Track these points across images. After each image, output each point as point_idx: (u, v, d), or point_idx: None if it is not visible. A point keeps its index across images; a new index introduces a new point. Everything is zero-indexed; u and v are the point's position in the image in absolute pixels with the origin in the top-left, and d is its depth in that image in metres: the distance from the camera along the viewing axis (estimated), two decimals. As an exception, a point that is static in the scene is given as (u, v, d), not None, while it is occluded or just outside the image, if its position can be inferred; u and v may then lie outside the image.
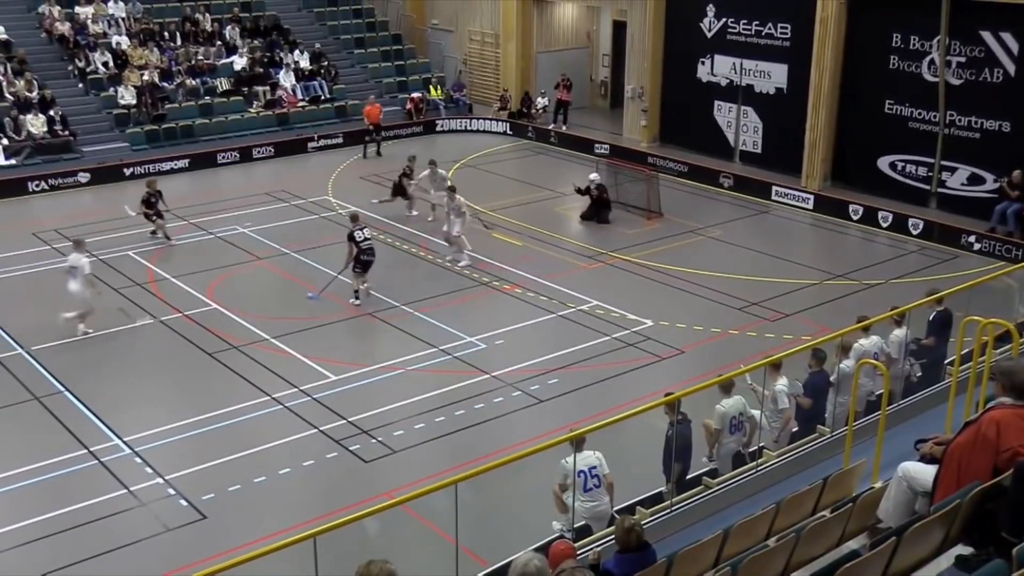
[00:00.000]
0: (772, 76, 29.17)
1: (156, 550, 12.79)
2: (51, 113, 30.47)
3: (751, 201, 27.98)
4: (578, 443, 11.54)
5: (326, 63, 36.43)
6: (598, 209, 25.93)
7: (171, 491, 14.04)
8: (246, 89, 34.25)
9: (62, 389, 16.92)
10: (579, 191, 26.14)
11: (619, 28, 36.09)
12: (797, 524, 8.39)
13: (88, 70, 32.86)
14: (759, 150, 29.96)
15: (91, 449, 15.04)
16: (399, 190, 26.40)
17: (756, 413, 12.89)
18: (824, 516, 8.47)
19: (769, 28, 29.05)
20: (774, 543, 7.91)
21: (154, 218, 24.06)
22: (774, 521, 8.76)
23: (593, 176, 26.38)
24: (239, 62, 34.92)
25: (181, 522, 13.41)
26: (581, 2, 37.38)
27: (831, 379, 13.52)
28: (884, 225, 25.41)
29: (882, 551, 6.78)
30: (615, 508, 11.66)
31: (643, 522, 9.81)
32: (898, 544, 6.80)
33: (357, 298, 20.40)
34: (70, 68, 33.05)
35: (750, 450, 12.74)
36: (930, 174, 25.87)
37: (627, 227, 25.54)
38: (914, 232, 24.83)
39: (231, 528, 13.19)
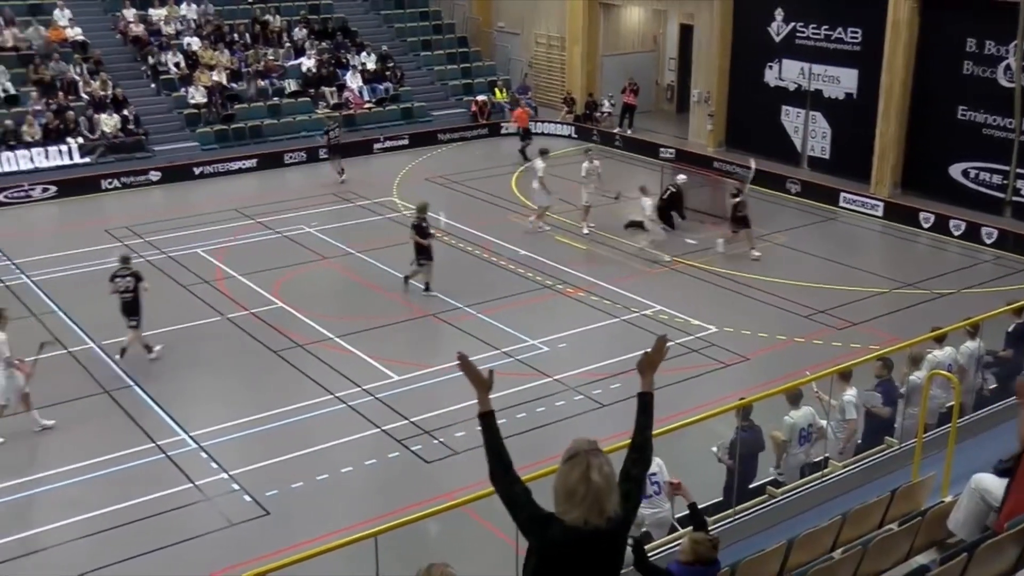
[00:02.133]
0: (841, 81, 28.81)
1: (220, 544, 12.95)
2: (124, 112, 31.03)
3: (818, 207, 27.65)
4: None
5: (392, 65, 36.67)
6: (667, 213, 25.66)
7: (235, 486, 14.21)
8: (313, 90, 34.61)
9: (131, 383, 17.22)
10: (663, 199, 25.69)
11: (686, 32, 35.88)
12: (864, 536, 8.26)
13: (160, 70, 33.43)
14: (827, 156, 29.62)
15: (158, 443, 15.28)
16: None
17: (823, 422, 12.73)
18: (892, 529, 8.34)
19: (839, 32, 28.70)
20: (839, 555, 7.80)
21: None
22: (840, 533, 8.62)
23: (681, 177, 26.13)
24: (307, 63, 35.29)
25: (244, 517, 13.57)
26: (648, 5, 37.22)
27: (900, 390, 13.30)
28: (956, 234, 24.95)
29: (952, 567, 6.65)
30: (677, 516, 11.57)
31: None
32: (969, 560, 6.66)
33: (429, 289, 20.84)
34: (143, 68, 33.66)
35: (815, 460, 12.57)
36: (1005, 182, 25.35)
37: (693, 233, 25.37)
38: (988, 241, 24.34)
39: (293, 524, 13.31)
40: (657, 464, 11.40)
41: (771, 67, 30.63)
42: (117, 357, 17.93)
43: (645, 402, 5.38)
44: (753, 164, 25.84)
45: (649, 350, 5.42)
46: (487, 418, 5.19)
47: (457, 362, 5.34)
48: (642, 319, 19.90)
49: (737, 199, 23.68)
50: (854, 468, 12.16)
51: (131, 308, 17.94)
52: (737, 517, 11.31)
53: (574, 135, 35.49)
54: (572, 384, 17.12)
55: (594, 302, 20.79)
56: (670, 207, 25.59)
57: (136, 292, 17.90)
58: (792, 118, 30.32)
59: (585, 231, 24.96)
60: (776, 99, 30.63)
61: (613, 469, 4.86)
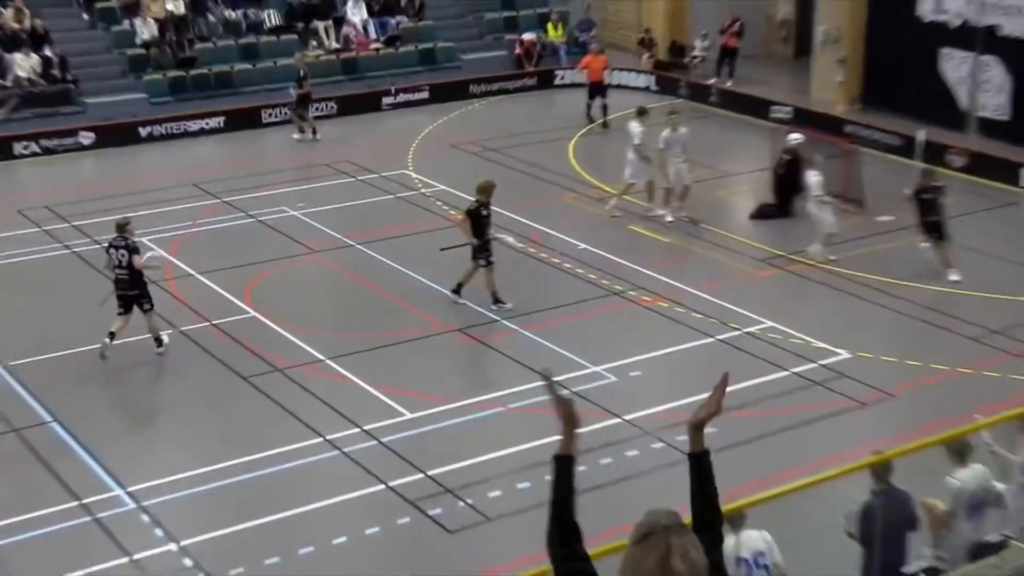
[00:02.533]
0: (1028, 13, 28.43)
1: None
2: (46, 52, 31.26)
3: (991, 188, 27.20)
4: (737, 520, 11.28)
5: (408, -7, 36.76)
6: (786, 192, 25.39)
7: (188, 562, 14.14)
8: (301, 25, 34.67)
9: (49, 419, 17.22)
10: (776, 171, 25.56)
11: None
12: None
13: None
14: (1006, 117, 29.16)
15: (83, 501, 15.24)
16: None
17: (1001, 486, 12.40)
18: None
19: (1024, -56, 28.33)
20: None
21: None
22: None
23: (795, 136, 25.81)
24: (294, -10, 35.48)
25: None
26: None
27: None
28: None
29: None
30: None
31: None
32: None
33: (500, 302, 20.56)
34: (73, -3, 34.00)
35: (989, 539, 12.26)
36: None
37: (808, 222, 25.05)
38: None
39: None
40: (764, 540, 11.25)
41: (927, -5, 30.32)
42: (106, 341, 18.19)
43: (703, 465, 5.21)
44: (922, 135, 25.29)
45: (707, 395, 5.23)
46: (565, 463, 5.01)
47: (542, 382, 5.18)
48: (746, 339, 19.62)
49: (927, 195, 22.22)
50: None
51: (128, 286, 18.52)
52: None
53: (654, 87, 35.31)
54: (649, 427, 16.85)
55: (680, 315, 20.54)
56: (788, 182, 25.27)
57: (131, 268, 18.41)
58: (956, 65, 29.90)
59: (669, 218, 24.71)
60: (933, 39, 30.23)
61: (702, 553, 4.66)
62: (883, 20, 31.55)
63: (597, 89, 32.15)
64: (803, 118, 30.97)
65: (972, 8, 29.25)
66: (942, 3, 29.92)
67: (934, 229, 22.11)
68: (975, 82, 29.58)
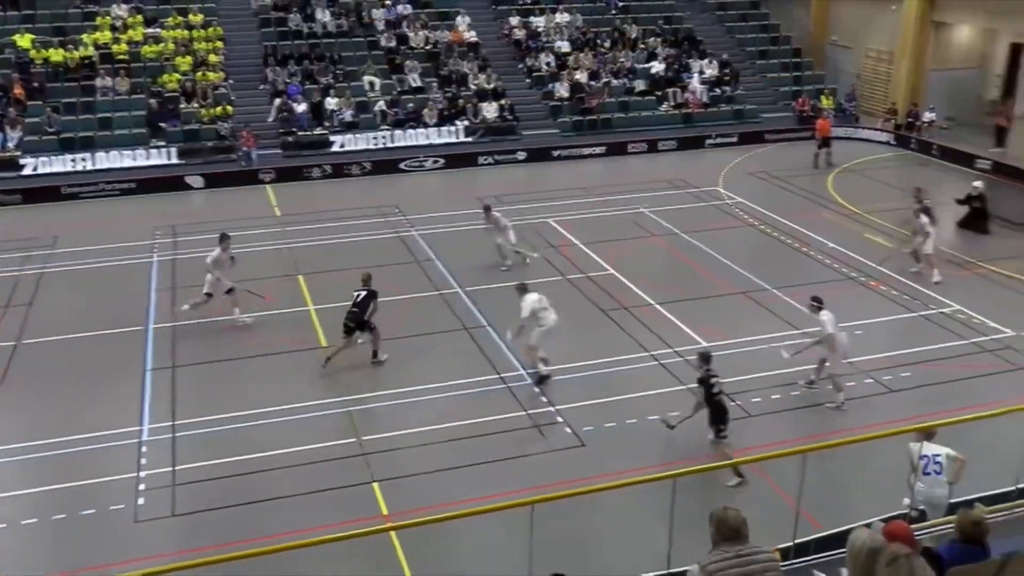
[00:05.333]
0: None
1: (540, 465, 13.35)
2: (502, 102, 32.41)
3: None
4: (928, 435, 10.74)
5: (729, 71, 35.82)
6: (975, 218, 23.57)
7: (559, 419, 14.58)
8: (659, 91, 34.49)
9: (485, 324, 18.05)
10: (959, 201, 23.89)
11: (1015, 49, 32.40)
12: None
13: (534, 68, 34.58)
14: None
15: (501, 375, 15.95)
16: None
17: None
18: None
19: None
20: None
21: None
22: None
23: (977, 184, 23.98)
24: (657, 67, 35.20)
25: (564, 445, 13.91)
26: (979, 23, 33.95)
27: None
28: None
29: None
30: (953, 500, 10.68)
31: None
32: None
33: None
34: (520, 66, 34.93)
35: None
36: None
37: (1001, 240, 23.05)
38: None
39: (604, 458, 13.46)
40: (942, 450, 10.67)
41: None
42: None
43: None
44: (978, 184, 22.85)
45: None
46: None
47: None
48: (939, 316, 18.39)
49: None
50: None
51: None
52: (1017, 510, 10.28)
53: (892, 142, 33.19)
54: (864, 368, 16.12)
55: (894, 296, 19.44)
56: (977, 213, 23.48)
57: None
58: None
59: (936, 279, 20.13)
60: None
61: (930, 571, 4.34)
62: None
63: (825, 142, 30.33)
64: (1000, 168, 28.47)
65: None
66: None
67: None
68: None
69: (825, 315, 14.91)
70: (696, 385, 13.34)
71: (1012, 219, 23.90)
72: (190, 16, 33.50)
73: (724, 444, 13.01)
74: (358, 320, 16.29)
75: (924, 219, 20.41)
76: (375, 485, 12.85)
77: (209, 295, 17.92)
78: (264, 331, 17.84)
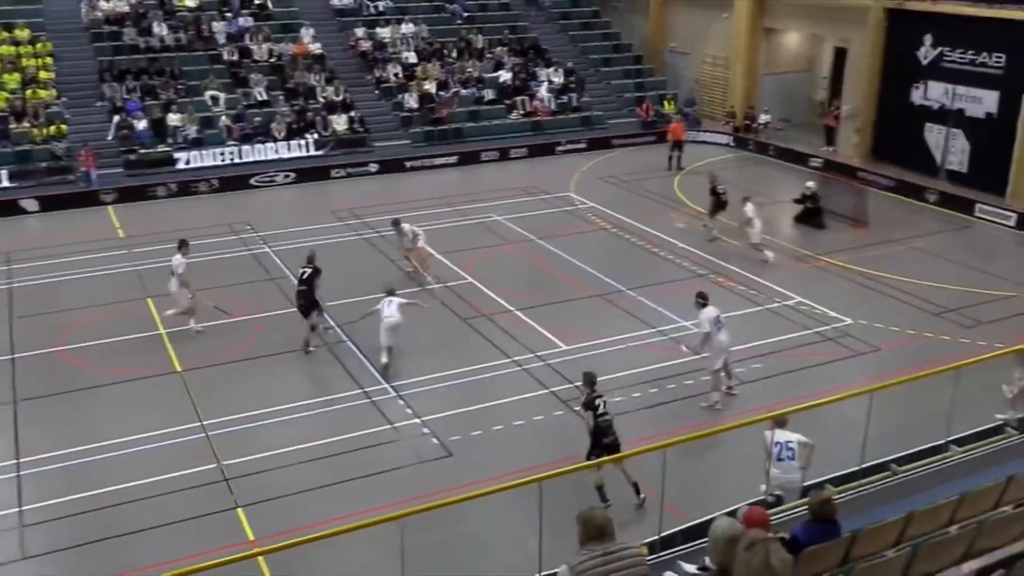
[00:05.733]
0: (983, 101, 27.07)
1: (409, 478, 13.28)
2: (352, 114, 32.10)
3: (954, 216, 26.12)
4: (781, 422, 11.25)
5: (575, 78, 36.60)
6: (811, 216, 24.92)
7: (426, 430, 14.55)
8: (508, 100, 34.91)
9: (345, 339, 17.83)
10: (796, 201, 25.19)
11: (840, 53, 34.37)
12: (979, 516, 7.80)
13: (382, 80, 34.41)
14: (965, 170, 27.90)
15: (365, 389, 15.80)
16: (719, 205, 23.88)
17: None
18: (1007, 511, 7.84)
19: (984, 56, 26.96)
20: (955, 530, 7.39)
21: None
22: (956, 511, 8.17)
23: (809, 184, 25.35)
24: (504, 76, 35.62)
25: (431, 457, 13.89)
26: (806, 30, 35.87)
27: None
28: (1087, 245, 23.15)
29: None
30: (806, 483, 11.23)
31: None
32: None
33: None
34: (368, 78, 34.69)
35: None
36: None
37: (835, 234, 24.40)
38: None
39: (472, 466, 13.50)
40: (794, 436, 11.20)
41: (917, 88, 29.06)
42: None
43: None
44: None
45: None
46: None
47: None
48: (784, 308, 19.31)
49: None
50: (975, 453, 11.53)
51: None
52: (861, 489, 10.92)
53: (732, 144, 34.65)
54: (718, 362, 16.74)
55: (741, 291, 20.28)
56: (812, 211, 24.85)
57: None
58: (934, 134, 28.68)
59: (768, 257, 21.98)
60: (920, 117, 29.04)
61: (786, 555, 4.63)
62: (888, 103, 30.37)
63: (677, 145, 31.42)
64: (830, 166, 30.14)
65: (947, 98, 28.08)
66: (928, 93, 28.77)
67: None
68: (946, 146, 28.36)
69: (704, 313, 14.96)
70: (581, 409, 12.76)
71: (844, 213, 25.33)
72: (16, 31, 31.73)
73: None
74: (308, 299, 16.87)
75: (748, 207, 21.92)
76: (239, 510, 12.50)
77: (192, 297, 18.03)
78: (113, 358, 17.08)
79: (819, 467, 11.58)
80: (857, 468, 11.59)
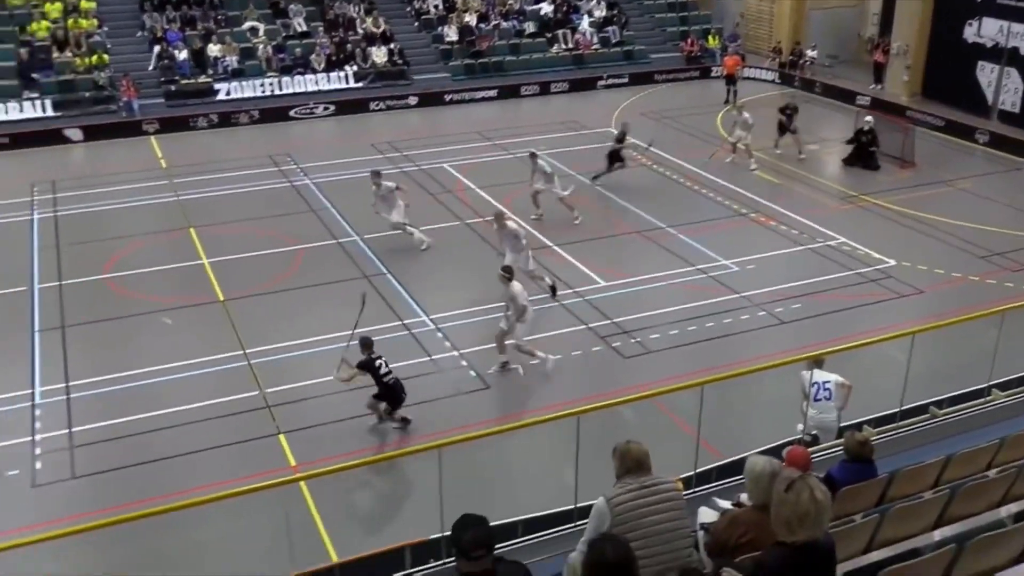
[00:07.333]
0: (1040, 39, 26.28)
1: (447, 409, 13.42)
2: (391, 46, 31.86)
3: (1005, 158, 25.51)
4: (818, 363, 11.22)
5: (618, 12, 35.95)
6: (863, 154, 24.38)
7: (464, 363, 14.67)
8: (549, 33, 34.42)
9: (385, 271, 17.94)
10: (849, 141, 24.65)
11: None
12: (1019, 460, 7.76)
13: (422, 11, 34.03)
14: (1017, 110, 27.18)
15: (404, 322, 15.93)
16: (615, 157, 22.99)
17: None
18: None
19: (1042, -8, 26.12)
20: (994, 474, 7.37)
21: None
22: (996, 455, 8.13)
23: (868, 119, 24.79)
24: (546, 8, 35.07)
25: (469, 388, 14.02)
26: (857, -37, 34.90)
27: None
28: None
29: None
30: (842, 424, 11.23)
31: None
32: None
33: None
34: (408, 9, 34.33)
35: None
36: None
37: (881, 174, 23.98)
38: None
39: (508, 399, 13.65)
40: (831, 376, 11.16)
41: (971, 24, 28.22)
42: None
43: None
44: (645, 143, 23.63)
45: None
46: None
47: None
48: (826, 249, 19.09)
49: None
50: (1016, 398, 11.44)
51: None
52: (900, 431, 10.89)
53: (777, 80, 33.98)
54: (757, 301, 16.67)
55: (783, 231, 20.07)
56: (864, 150, 24.33)
57: None
58: (987, 73, 27.94)
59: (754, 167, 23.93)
60: (973, 55, 28.26)
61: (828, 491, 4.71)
62: (939, 40, 29.57)
63: (730, 80, 31.02)
64: (877, 104, 29.43)
65: (1001, 35, 27.25)
66: (981, 30, 27.93)
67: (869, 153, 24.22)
68: (999, 85, 27.63)
69: (516, 286, 14.07)
70: (358, 371, 12.58)
71: (891, 153, 24.84)
72: (57, -41, 31.71)
73: (395, 424, 12.77)
74: None
75: (747, 114, 23.83)
76: (281, 436, 12.75)
77: None
78: (156, 287, 17.36)
79: (857, 408, 11.56)
80: (896, 410, 11.55)
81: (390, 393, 12.73)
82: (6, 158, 25.36)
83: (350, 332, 13.07)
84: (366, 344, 12.78)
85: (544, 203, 20.45)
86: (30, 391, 13.87)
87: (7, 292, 17.13)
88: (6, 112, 27.17)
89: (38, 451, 12.46)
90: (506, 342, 14.28)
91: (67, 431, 12.93)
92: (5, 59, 28.32)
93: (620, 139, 22.85)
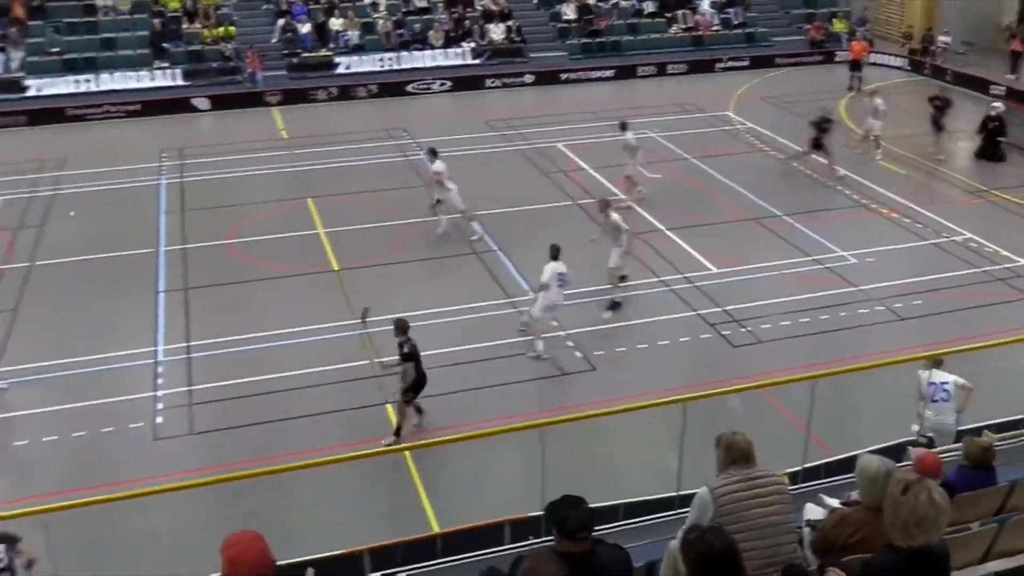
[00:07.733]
0: None
1: (549, 389, 13.49)
2: (509, 24, 31.91)
3: None
4: (937, 362, 10.83)
5: (743, -8, 35.23)
6: (991, 143, 23.28)
7: (570, 343, 14.68)
8: (669, 13, 33.92)
9: (496, 249, 18.06)
10: (979, 130, 23.58)
11: (1035, -27, 31.80)
12: None
13: (542, -11, 34.01)
14: None
15: (512, 299, 16.01)
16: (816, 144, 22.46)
17: None
18: None
19: None
20: None
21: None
22: None
23: (996, 105, 23.67)
24: (667, -12, 34.62)
25: (574, 369, 14.03)
26: (999, -55, 33.24)
27: None
28: None
29: None
30: (960, 427, 10.82)
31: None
32: None
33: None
34: (528, -14, 34.35)
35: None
36: None
37: (1012, 167, 22.89)
38: None
39: (614, 381, 13.59)
40: (950, 377, 10.77)
41: (1122, 12, 26.66)
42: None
43: None
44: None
45: None
46: None
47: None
48: (951, 244, 18.36)
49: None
50: None
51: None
52: (1023, 439, 10.43)
53: (907, 67, 32.73)
54: (876, 295, 16.17)
55: (906, 224, 19.38)
56: (994, 139, 23.23)
57: None
58: None
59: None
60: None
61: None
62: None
63: (855, 66, 30.00)
64: (1014, 95, 28.11)
65: None
66: None
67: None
68: None
69: (614, 215, 15.58)
70: (398, 361, 11.93)
71: (1021, 145, 23.67)
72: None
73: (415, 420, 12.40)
74: None
75: (879, 100, 22.88)
76: (388, 406, 13.01)
77: None
78: (274, 254, 17.89)
79: (976, 413, 11.12)
80: (1020, 417, 11.07)
81: (422, 381, 12.17)
82: (137, 125, 26.47)
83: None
84: (402, 328, 11.99)
85: (642, 180, 20.30)
86: (153, 348, 14.51)
87: (135, 253, 17.92)
88: (138, 80, 28.32)
89: (160, 406, 13.04)
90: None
91: (187, 388, 13.49)
92: (139, 29, 29.47)
93: (819, 124, 21.99)
